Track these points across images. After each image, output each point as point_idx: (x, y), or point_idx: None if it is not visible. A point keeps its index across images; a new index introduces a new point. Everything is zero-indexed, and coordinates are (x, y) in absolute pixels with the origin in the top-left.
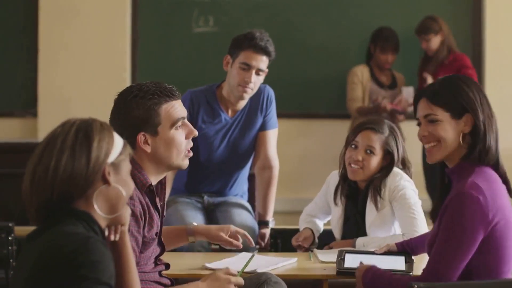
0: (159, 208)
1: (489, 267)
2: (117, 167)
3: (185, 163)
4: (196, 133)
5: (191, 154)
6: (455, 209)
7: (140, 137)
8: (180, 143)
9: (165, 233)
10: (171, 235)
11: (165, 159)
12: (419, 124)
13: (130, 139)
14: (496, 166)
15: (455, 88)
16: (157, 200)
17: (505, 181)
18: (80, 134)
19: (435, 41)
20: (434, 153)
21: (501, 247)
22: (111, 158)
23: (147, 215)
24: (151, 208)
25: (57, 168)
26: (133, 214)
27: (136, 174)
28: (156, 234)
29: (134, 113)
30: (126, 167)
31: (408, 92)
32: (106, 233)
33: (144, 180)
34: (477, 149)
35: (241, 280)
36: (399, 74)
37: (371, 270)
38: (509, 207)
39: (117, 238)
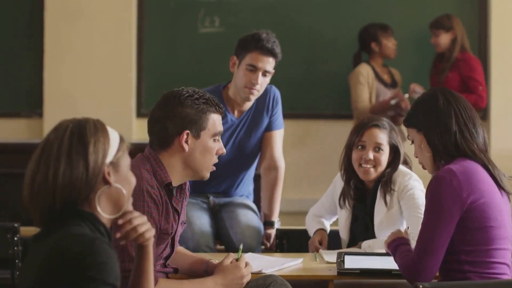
0: (177, 208)
1: (474, 245)
2: (117, 165)
3: (208, 175)
4: (224, 151)
5: (214, 168)
6: (430, 192)
7: (184, 134)
8: (213, 154)
9: (183, 255)
10: (188, 260)
11: (196, 164)
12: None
13: (172, 135)
14: (477, 159)
15: (415, 106)
16: (173, 199)
17: (487, 169)
18: (74, 139)
19: (444, 38)
20: (425, 165)
21: (483, 226)
22: (109, 157)
23: (164, 208)
24: (169, 205)
25: (56, 177)
26: (152, 197)
27: (158, 171)
28: (170, 233)
29: (187, 110)
30: (126, 162)
31: (417, 87)
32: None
33: (164, 178)
34: (440, 153)
35: (245, 258)
36: (395, 70)
37: (393, 244)
38: (491, 189)
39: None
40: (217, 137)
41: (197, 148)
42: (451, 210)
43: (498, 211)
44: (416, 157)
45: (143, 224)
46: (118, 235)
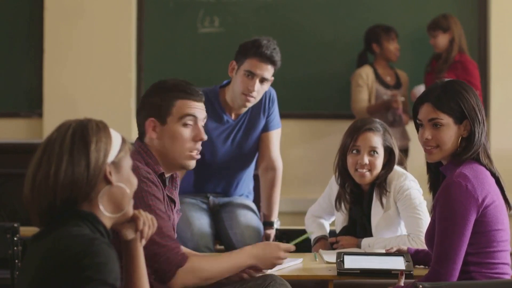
0: (172, 198)
1: (482, 247)
2: (118, 165)
3: (190, 163)
4: (204, 137)
5: (198, 157)
6: (445, 198)
7: (149, 122)
8: (184, 140)
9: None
10: None
11: (168, 152)
12: (419, 126)
13: (143, 124)
14: (487, 165)
15: (458, 95)
16: (167, 189)
17: (493, 174)
18: (76, 138)
19: (442, 39)
20: (434, 154)
21: (493, 229)
22: (111, 157)
23: (165, 203)
24: (166, 198)
25: (57, 174)
26: (156, 195)
27: (150, 162)
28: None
29: (151, 99)
30: (127, 163)
31: (419, 91)
32: (130, 236)
33: (157, 168)
34: (472, 151)
35: (292, 247)
36: (402, 72)
37: None
38: (498, 192)
39: (144, 242)
40: (186, 121)
41: (165, 134)
42: (468, 215)
43: (504, 214)
44: (428, 139)
45: (151, 218)
46: (143, 241)
